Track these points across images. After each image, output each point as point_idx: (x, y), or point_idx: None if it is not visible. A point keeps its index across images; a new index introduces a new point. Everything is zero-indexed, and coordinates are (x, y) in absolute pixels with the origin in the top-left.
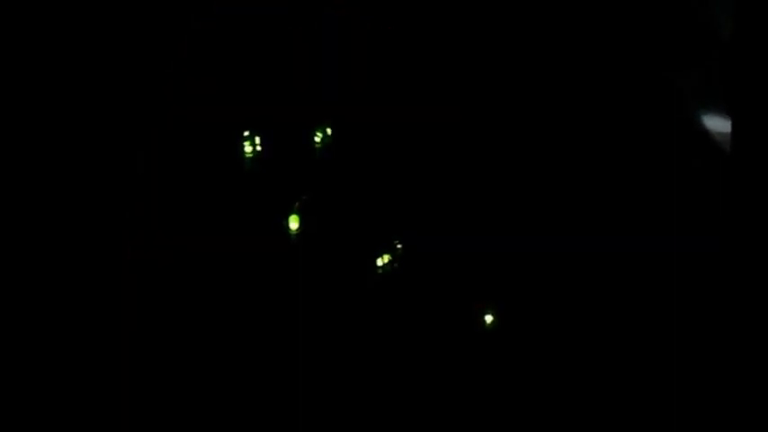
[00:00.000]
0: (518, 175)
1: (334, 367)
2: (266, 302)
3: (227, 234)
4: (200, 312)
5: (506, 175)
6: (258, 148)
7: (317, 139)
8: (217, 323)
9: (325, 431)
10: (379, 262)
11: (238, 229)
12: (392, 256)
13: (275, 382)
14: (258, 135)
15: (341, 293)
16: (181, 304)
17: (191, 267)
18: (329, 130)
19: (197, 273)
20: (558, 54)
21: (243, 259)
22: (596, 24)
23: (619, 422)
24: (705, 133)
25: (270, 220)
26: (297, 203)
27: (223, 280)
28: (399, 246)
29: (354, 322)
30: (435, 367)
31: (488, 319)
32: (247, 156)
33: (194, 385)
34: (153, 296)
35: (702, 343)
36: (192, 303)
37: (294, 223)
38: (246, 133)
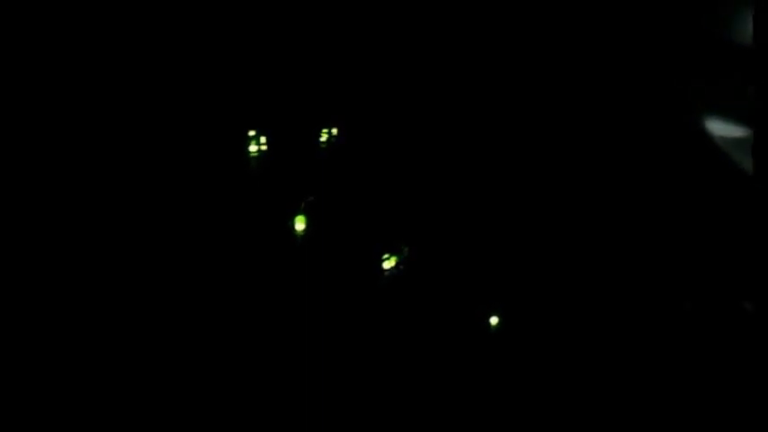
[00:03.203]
0: (521, 177)
1: (339, 367)
2: (271, 303)
3: (231, 234)
4: (206, 312)
5: (511, 178)
6: (263, 147)
7: (323, 140)
8: (222, 323)
9: (330, 429)
10: (386, 264)
11: (244, 229)
12: (398, 258)
13: (281, 380)
14: (264, 135)
15: (346, 295)
16: (183, 304)
17: (192, 268)
18: (335, 131)
19: (200, 273)
20: (568, 60)
21: (247, 260)
22: (605, 30)
23: (618, 422)
24: (709, 137)
25: (276, 220)
26: (303, 204)
27: (228, 280)
28: (406, 248)
29: (360, 324)
30: (441, 367)
31: (493, 320)
32: (252, 156)
33: (198, 385)
34: (156, 296)
35: (706, 344)
36: (196, 304)
37: (300, 224)
38: (252, 133)
